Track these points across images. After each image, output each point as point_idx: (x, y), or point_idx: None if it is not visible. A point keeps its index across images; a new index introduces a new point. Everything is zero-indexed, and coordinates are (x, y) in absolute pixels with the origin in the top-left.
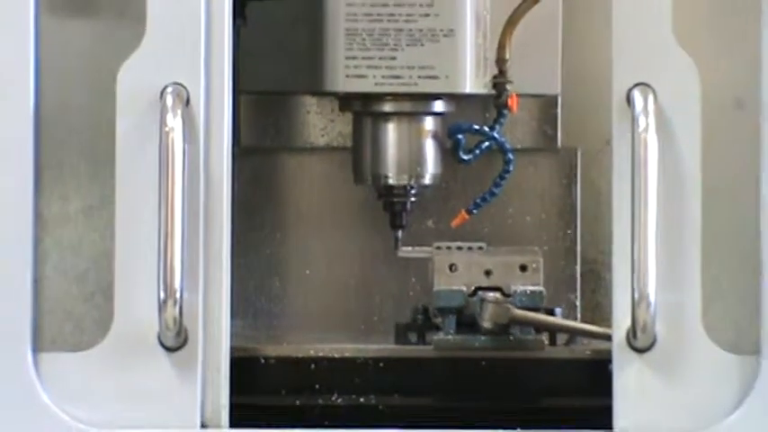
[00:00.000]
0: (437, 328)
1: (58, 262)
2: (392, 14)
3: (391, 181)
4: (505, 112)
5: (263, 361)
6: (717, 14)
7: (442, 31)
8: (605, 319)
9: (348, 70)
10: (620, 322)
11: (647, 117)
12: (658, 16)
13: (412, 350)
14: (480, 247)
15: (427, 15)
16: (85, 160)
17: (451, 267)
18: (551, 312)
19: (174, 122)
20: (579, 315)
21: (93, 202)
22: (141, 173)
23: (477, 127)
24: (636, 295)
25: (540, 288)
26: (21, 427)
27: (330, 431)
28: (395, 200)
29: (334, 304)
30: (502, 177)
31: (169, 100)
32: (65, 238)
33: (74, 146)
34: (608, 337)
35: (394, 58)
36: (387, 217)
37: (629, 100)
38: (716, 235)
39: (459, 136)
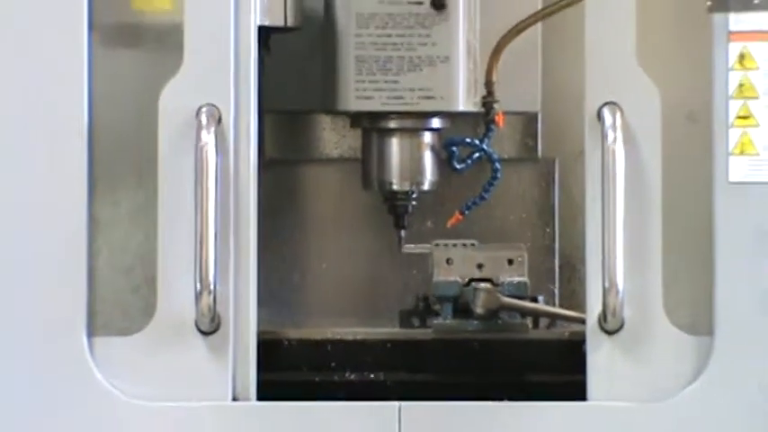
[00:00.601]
0: (436, 314)
1: (108, 258)
2: (395, 44)
3: (395, 187)
4: (493, 127)
5: (286, 343)
6: (673, 42)
7: (438, 57)
8: (580, 306)
9: (357, 92)
10: (593, 308)
11: (615, 131)
12: (623, 44)
13: (415, 333)
14: (473, 244)
15: (425, 44)
16: (132, 171)
17: (448, 261)
18: (534, 300)
19: (208, 138)
20: (558, 302)
21: (138, 207)
22: (180, 182)
23: (468, 140)
24: (606, 284)
25: (525, 279)
26: (77, 401)
27: (344, 403)
28: (398, 203)
29: (347, 294)
30: (490, 184)
31: (203, 119)
32: (115, 237)
33: (123, 159)
34: (582, 321)
35: (397, 82)
36: (391, 218)
37: (599, 116)
38: (674, 231)
39: (454, 148)
